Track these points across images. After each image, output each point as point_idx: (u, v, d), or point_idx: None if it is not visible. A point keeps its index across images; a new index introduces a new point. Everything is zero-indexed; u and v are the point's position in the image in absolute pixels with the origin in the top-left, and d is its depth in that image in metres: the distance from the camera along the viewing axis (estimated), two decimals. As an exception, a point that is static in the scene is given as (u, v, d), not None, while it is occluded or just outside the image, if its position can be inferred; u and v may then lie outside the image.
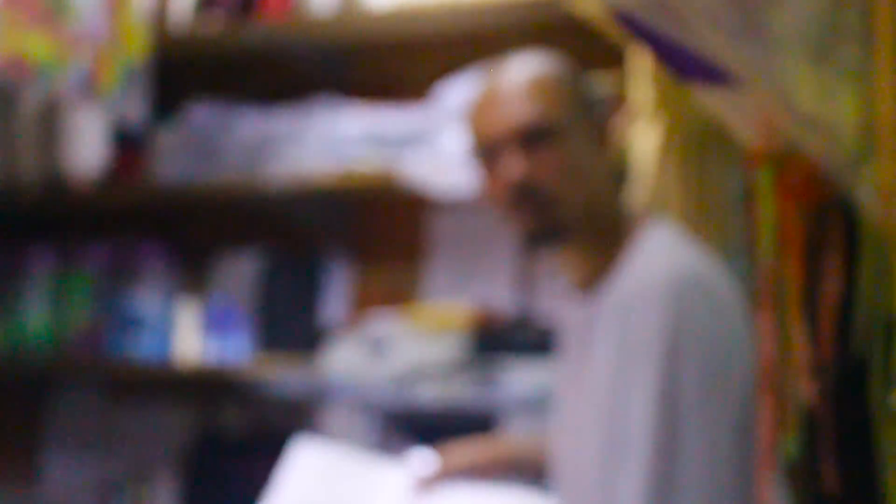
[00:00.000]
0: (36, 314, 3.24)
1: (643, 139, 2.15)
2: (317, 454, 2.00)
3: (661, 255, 1.56)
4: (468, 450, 1.87)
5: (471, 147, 1.63)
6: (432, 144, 2.85)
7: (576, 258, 1.64)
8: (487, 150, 1.57)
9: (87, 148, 3.35)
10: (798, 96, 0.96)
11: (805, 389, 0.98)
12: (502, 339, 2.79)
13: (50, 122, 3.38)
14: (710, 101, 1.26)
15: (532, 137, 1.54)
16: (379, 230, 3.15)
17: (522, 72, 1.58)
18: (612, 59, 2.74)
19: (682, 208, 1.98)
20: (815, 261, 1.03)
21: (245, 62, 3.37)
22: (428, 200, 2.98)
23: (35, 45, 2.90)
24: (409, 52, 3.23)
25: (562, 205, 1.54)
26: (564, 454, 1.65)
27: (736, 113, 1.17)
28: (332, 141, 2.99)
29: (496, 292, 2.98)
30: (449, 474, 1.79)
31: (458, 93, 2.87)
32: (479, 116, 1.59)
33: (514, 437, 1.96)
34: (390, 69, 3.28)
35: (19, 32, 2.88)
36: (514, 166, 1.52)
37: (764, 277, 1.00)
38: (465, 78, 2.83)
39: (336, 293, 3.33)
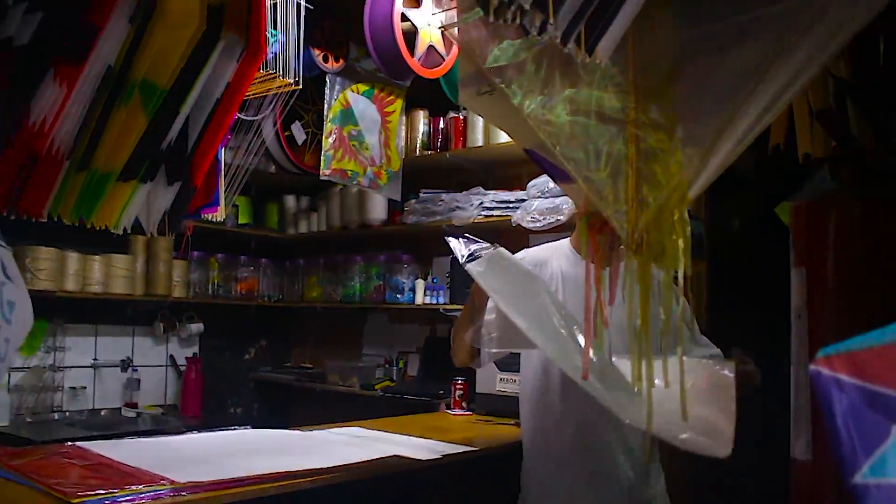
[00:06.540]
0: None
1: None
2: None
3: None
4: None
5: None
6: (526, 207, 4.49)
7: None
8: None
9: (377, 208, 5.28)
10: (599, 188, 1.35)
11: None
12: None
13: (359, 199, 5.27)
14: (567, 189, 1.81)
15: None
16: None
17: None
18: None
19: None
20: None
21: (445, 170, 5.12)
22: (525, 232, 4.46)
23: (349, 164, 4.21)
24: (517, 161, 4.74)
25: None
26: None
27: (574, 194, 1.75)
28: (481, 205, 4.74)
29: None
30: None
31: (539, 184, 4.42)
32: None
33: None
34: (509, 170, 4.93)
35: (342, 159, 4.15)
36: None
37: (588, 294, 1.41)
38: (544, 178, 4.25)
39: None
